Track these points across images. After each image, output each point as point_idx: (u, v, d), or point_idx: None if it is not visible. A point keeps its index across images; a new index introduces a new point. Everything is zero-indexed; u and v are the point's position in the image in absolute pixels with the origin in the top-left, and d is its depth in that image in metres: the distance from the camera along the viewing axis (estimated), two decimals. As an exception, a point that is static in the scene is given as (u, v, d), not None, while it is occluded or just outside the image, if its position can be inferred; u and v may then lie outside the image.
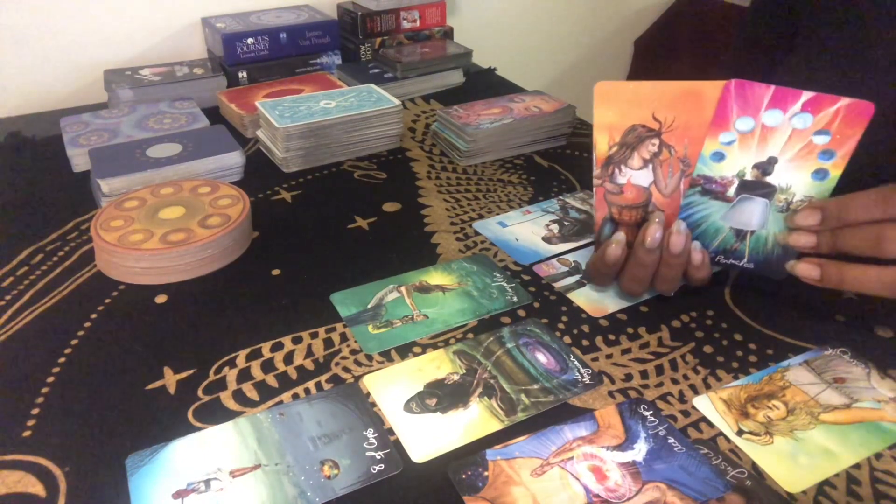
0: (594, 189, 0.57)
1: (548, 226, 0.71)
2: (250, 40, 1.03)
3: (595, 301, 0.60)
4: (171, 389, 0.50)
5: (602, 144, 0.56)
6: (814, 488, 0.43)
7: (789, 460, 0.45)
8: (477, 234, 0.70)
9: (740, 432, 0.47)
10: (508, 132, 0.86)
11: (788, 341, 0.56)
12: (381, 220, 0.73)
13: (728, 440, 0.47)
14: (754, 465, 0.45)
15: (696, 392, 0.51)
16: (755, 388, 0.51)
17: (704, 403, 0.49)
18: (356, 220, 0.73)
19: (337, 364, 0.53)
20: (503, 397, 0.50)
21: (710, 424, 0.48)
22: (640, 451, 0.45)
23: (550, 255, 0.66)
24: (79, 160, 0.81)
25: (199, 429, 0.47)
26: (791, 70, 0.69)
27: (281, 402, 0.49)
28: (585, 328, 0.57)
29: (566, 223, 0.72)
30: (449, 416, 0.48)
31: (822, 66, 0.65)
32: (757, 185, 0.54)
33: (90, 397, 0.50)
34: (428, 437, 0.46)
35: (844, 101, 0.50)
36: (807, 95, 0.50)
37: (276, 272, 0.64)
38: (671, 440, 0.46)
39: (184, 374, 0.52)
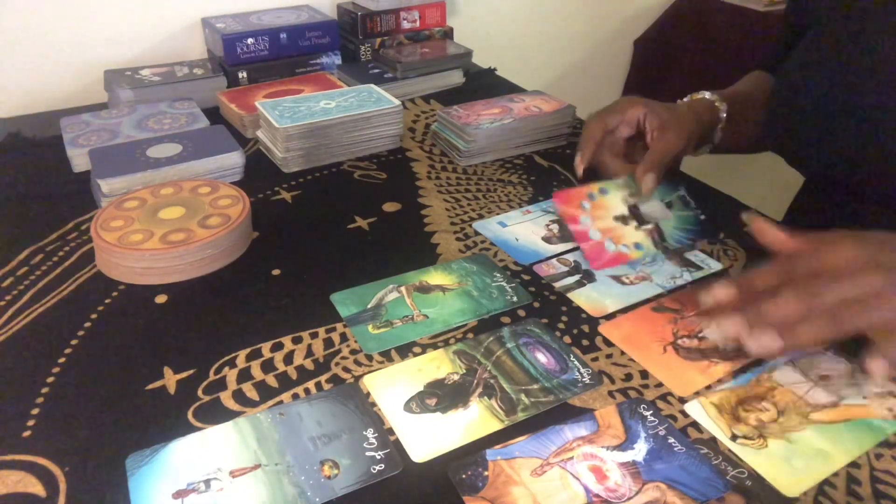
0: None
1: (548, 226, 0.71)
2: (250, 40, 1.03)
3: (595, 301, 0.60)
4: (171, 389, 0.50)
5: None
6: (814, 488, 0.43)
7: (784, 463, 0.45)
8: (477, 234, 0.70)
9: (734, 437, 0.47)
10: (508, 132, 0.86)
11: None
12: (381, 220, 0.73)
13: (724, 446, 0.46)
14: (751, 471, 0.45)
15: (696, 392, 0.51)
16: (744, 390, 0.51)
17: (696, 409, 0.49)
18: (356, 220, 0.73)
19: (337, 364, 0.53)
20: (503, 397, 0.50)
21: (710, 424, 0.48)
22: (640, 451, 0.45)
23: (550, 255, 0.66)
24: (79, 160, 0.81)
25: (199, 429, 0.47)
26: (807, 50, 0.69)
27: (281, 402, 0.49)
28: (585, 328, 0.57)
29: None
30: (449, 416, 0.48)
31: (833, 43, 0.66)
32: None
33: (90, 397, 0.50)
34: (428, 437, 0.46)
35: None
36: None
37: (276, 272, 0.64)
38: (671, 440, 0.46)
39: (184, 374, 0.52)
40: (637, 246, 0.64)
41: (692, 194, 0.72)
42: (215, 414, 0.48)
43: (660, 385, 0.51)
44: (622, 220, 0.66)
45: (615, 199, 0.68)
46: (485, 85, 1.10)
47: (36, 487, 0.43)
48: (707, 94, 0.77)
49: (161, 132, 0.84)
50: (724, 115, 0.75)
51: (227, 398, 0.50)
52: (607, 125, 0.72)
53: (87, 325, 0.57)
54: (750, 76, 0.85)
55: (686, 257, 0.66)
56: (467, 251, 0.67)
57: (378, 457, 0.45)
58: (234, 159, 0.79)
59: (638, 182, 0.67)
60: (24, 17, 0.99)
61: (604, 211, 0.67)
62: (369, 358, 0.54)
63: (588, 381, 0.51)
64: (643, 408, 0.49)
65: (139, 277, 0.62)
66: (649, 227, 0.66)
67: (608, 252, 0.63)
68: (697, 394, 0.50)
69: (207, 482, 0.43)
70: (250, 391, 0.50)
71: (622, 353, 0.54)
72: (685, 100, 0.78)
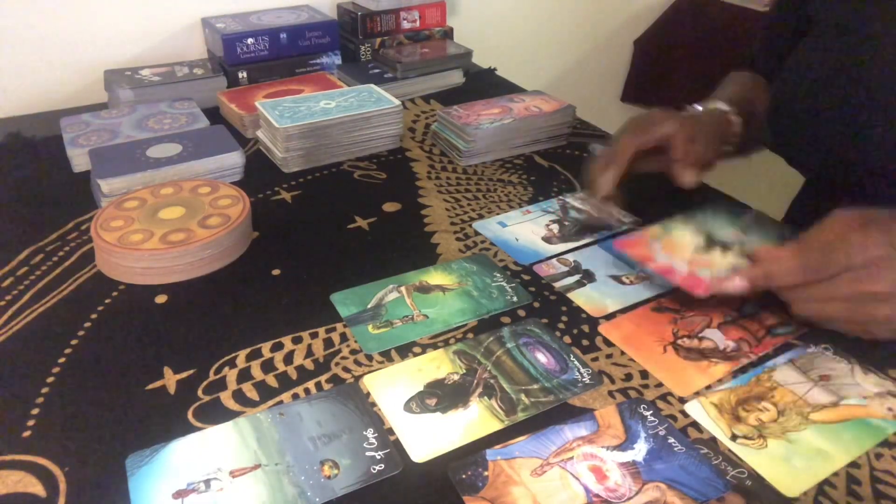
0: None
1: (548, 226, 0.71)
2: (250, 40, 1.03)
3: (595, 301, 0.60)
4: (171, 389, 0.50)
5: None
6: (814, 488, 0.43)
7: (784, 463, 0.45)
8: (477, 233, 0.70)
9: (734, 437, 0.47)
10: (508, 132, 0.86)
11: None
12: (381, 220, 0.73)
13: (724, 446, 0.47)
14: (751, 471, 0.45)
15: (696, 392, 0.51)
16: (744, 390, 0.51)
17: (696, 409, 0.49)
18: (356, 220, 0.73)
19: (337, 364, 0.53)
20: (503, 397, 0.50)
21: (710, 424, 0.48)
22: (640, 451, 0.45)
23: (550, 255, 0.66)
24: (79, 160, 0.81)
25: (199, 429, 0.47)
26: (805, 51, 0.69)
27: (281, 402, 0.49)
28: (585, 328, 0.57)
29: (566, 223, 0.72)
30: (449, 416, 0.48)
31: (831, 44, 0.66)
32: None
33: (90, 397, 0.50)
34: (428, 437, 0.46)
35: None
36: None
37: (276, 272, 0.64)
38: (671, 440, 0.46)
39: (184, 374, 0.52)
40: (737, 269, 0.56)
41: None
42: (215, 414, 0.48)
43: (660, 385, 0.51)
44: (703, 250, 0.60)
45: (684, 236, 0.62)
46: (485, 85, 1.10)
47: (36, 487, 0.43)
48: (721, 105, 0.74)
49: (161, 132, 0.84)
50: (739, 129, 0.73)
51: (227, 398, 0.50)
52: (643, 146, 0.67)
53: (87, 325, 0.57)
54: (736, 77, 0.83)
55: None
56: (467, 251, 0.67)
57: (378, 457, 0.45)
58: (234, 159, 0.79)
59: (678, 176, 0.65)
60: (25, 16, 0.99)
61: (678, 247, 0.61)
62: (369, 358, 0.54)
63: (588, 381, 0.51)
64: (643, 408, 0.49)
65: (139, 277, 0.62)
66: (736, 249, 0.60)
67: (705, 280, 0.56)
68: (697, 394, 0.50)
69: (207, 482, 0.43)
70: (250, 391, 0.50)
71: (622, 353, 0.54)
72: (699, 108, 0.75)
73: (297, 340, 0.55)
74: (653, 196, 0.77)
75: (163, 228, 0.64)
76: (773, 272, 0.53)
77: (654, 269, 0.59)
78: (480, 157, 0.85)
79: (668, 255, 0.60)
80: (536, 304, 0.60)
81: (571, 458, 0.45)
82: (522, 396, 0.50)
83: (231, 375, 0.52)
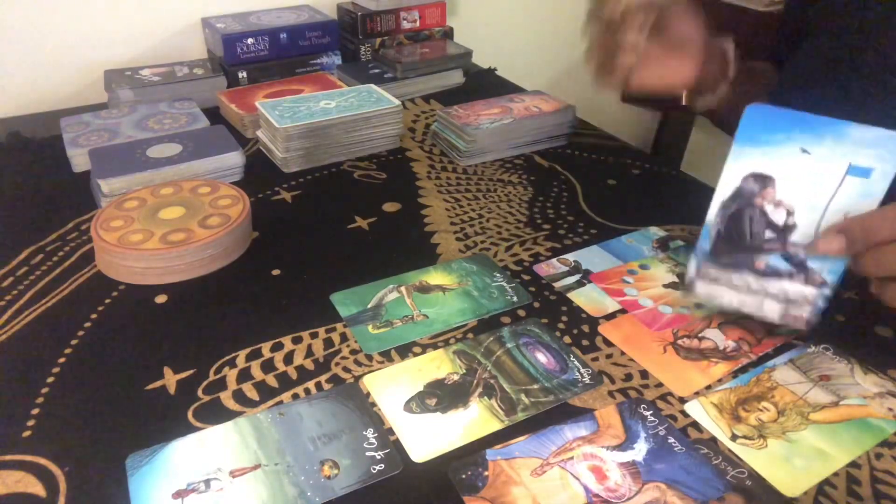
0: None
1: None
2: (250, 40, 1.03)
3: (595, 301, 0.60)
4: (171, 389, 0.50)
5: None
6: (814, 488, 0.43)
7: (784, 463, 0.45)
8: (477, 234, 0.70)
9: (734, 437, 0.47)
10: (508, 132, 0.86)
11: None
12: (381, 220, 0.73)
13: (724, 446, 0.47)
14: (751, 471, 0.45)
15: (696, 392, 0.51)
16: (744, 390, 0.51)
17: (696, 409, 0.49)
18: (356, 220, 0.73)
19: (337, 364, 0.53)
20: (503, 397, 0.50)
21: (710, 424, 0.48)
22: (640, 450, 0.45)
23: None
24: (79, 160, 0.81)
25: (199, 429, 0.47)
26: (790, 75, 0.69)
27: (281, 402, 0.49)
28: (585, 328, 0.57)
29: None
30: (449, 416, 0.48)
31: (817, 71, 0.66)
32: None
33: (90, 397, 0.50)
34: (428, 437, 0.46)
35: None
36: None
37: (276, 272, 0.64)
38: (671, 440, 0.46)
39: (184, 374, 0.52)
40: (698, 306, 0.59)
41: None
42: (215, 414, 0.48)
43: (660, 385, 0.51)
44: (673, 286, 0.62)
45: (660, 271, 0.64)
46: (485, 85, 1.10)
47: (36, 487, 0.43)
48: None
49: (161, 132, 0.84)
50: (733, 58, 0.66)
51: (227, 398, 0.50)
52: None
53: (87, 325, 0.57)
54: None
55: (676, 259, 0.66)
56: (467, 251, 0.67)
57: (378, 457, 0.45)
58: (234, 159, 0.79)
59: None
60: (24, 16, 0.99)
61: (650, 282, 0.62)
62: (369, 358, 0.54)
63: (588, 381, 0.51)
64: (643, 408, 0.49)
65: (139, 277, 0.62)
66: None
67: (664, 315, 0.58)
68: (697, 394, 0.50)
69: (207, 482, 0.43)
70: (250, 391, 0.50)
71: (622, 353, 0.54)
72: None
73: (297, 340, 0.55)
74: (653, 199, 0.77)
75: (163, 228, 0.64)
76: (872, 222, 0.45)
77: (619, 302, 0.60)
78: (480, 157, 0.85)
79: (637, 290, 0.61)
80: (536, 304, 0.60)
81: (571, 458, 0.45)
82: (522, 396, 0.50)
83: (231, 375, 0.52)
